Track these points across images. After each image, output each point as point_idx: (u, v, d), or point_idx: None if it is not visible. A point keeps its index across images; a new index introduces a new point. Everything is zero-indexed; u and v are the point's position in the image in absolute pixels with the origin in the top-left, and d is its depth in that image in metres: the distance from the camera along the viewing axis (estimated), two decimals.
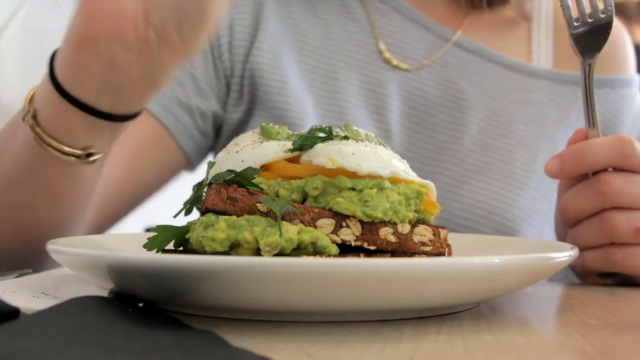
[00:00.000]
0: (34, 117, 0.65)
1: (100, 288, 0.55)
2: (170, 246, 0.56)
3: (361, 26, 1.00)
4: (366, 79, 0.97)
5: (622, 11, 3.56)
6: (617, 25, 1.07)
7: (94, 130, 0.65)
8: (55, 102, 0.63)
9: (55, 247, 0.52)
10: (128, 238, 0.68)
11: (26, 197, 0.70)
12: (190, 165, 1.00)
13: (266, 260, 0.43)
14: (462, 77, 0.99)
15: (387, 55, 0.98)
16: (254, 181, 0.53)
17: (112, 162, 0.85)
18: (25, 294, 0.54)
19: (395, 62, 0.98)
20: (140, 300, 0.50)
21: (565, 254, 0.52)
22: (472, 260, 0.45)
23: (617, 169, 0.69)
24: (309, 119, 0.93)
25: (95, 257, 0.48)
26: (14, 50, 1.00)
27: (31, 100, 0.67)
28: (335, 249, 0.50)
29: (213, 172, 0.56)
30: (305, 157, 0.55)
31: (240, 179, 0.53)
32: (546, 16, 1.05)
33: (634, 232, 0.68)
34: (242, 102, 0.97)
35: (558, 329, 0.49)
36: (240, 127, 0.98)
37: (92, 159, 0.67)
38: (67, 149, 0.65)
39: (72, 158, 0.66)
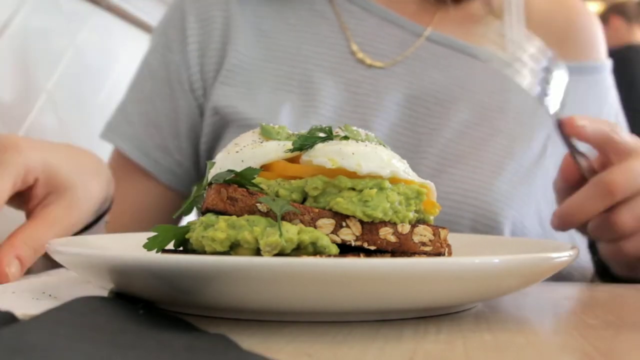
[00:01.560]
0: None
1: (100, 288, 0.55)
2: (170, 246, 0.56)
3: (332, 29, 1.01)
4: (342, 79, 0.98)
5: (623, 12, 3.55)
6: (586, 12, 1.08)
7: None
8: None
9: (56, 247, 0.52)
10: (128, 238, 0.68)
11: None
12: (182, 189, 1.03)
13: (266, 260, 0.43)
14: (437, 70, 0.99)
15: (360, 55, 0.99)
16: (253, 181, 0.53)
17: (118, 218, 0.92)
18: (25, 294, 0.54)
19: (369, 61, 0.99)
20: (140, 300, 0.49)
21: (565, 254, 0.52)
22: (472, 260, 0.45)
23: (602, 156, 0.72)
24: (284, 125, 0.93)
25: (96, 257, 0.48)
26: (14, 50, 1.00)
27: None
28: (335, 249, 0.50)
29: (213, 172, 0.56)
30: (305, 157, 0.55)
31: (240, 179, 0.53)
32: (517, 7, 1.06)
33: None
34: (214, 120, 0.97)
35: (558, 329, 0.49)
36: (214, 144, 0.99)
37: None
38: None
39: None
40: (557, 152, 0.94)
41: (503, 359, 0.40)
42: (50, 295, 0.53)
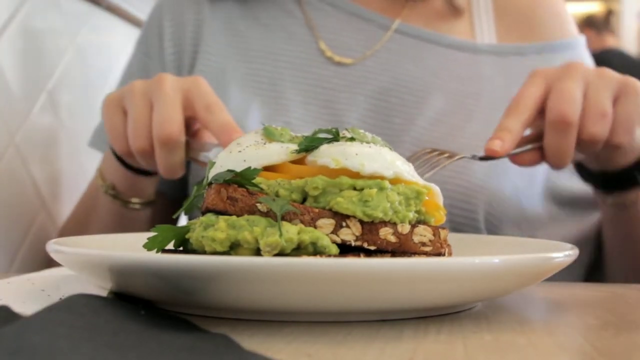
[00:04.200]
0: (113, 188, 0.91)
1: (99, 288, 0.55)
2: (170, 246, 0.56)
3: (301, 27, 1.02)
4: (311, 75, 0.99)
5: (591, 23, 3.70)
6: None
7: (152, 185, 0.93)
8: (127, 176, 0.89)
9: (56, 247, 0.52)
10: (127, 238, 0.68)
11: None
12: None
13: (266, 260, 0.43)
14: (408, 61, 1.00)
15: (329, 54, 1.00)
16: (253, 181, 0.53)
17: (106, 221, 0.97)
18: (24, 293, 0.54)
19: (337, 59, 1.00)
20: (140, 300, 0.49)
21: (565, 254, 0.52)
22: (472, 260, 0.45)
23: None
24: (252, 122, 0.95)
25: (96, 257, 0.48)
26: (14, 50, 1.00)
27: (103, 177, 0.92)
28: (335, 249, 0.50)
29: (213, 172, 0.56)
30: (311, 158, 0.55)
31: (241, 179, 0.52)
32: None
33: (600, 115, 0.73)
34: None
35: (558, 329, 0.49)
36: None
37: (150, 205, 0.95)
38: (139, 202, 0.93)
39: (140, 207, 0.93)
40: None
41: (503, 359, 0.40)
42: (51, 296, 0.53)
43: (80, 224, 0.99)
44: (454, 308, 0.53)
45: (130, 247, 0.62)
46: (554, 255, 0.51)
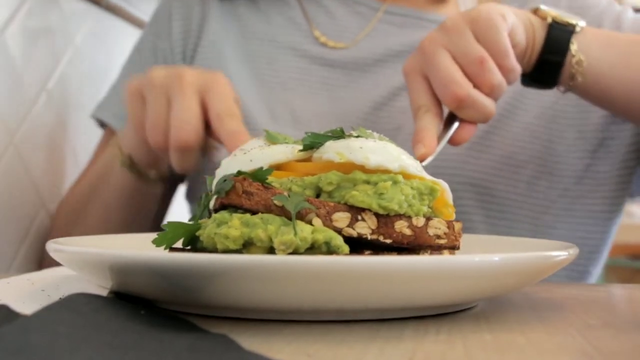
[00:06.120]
0: (130, 160, 0.90)
1: (99, 287, 0.55)
2: (178, 245, 0.55)
3: (296, 14, 1.06)
4: (307, 55, 1.03)
5: None
6: None
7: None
8: (144, 147, 0.85)
9: (57, 246, 0.52)
10: (127, 238, 0.68)
11: (120, 218, 0.96)
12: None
13: (266, 258, 0.43)
14: (398, 36, 1.03)
15: (323, 39, 1.03)
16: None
17: (103, 192, 0.98)
18: (24, 293, 0.54)
19: (331, 44, 1.03)
20: (140, 300, 0.49)
21: (565, 253, 0.52)
22: (472, 258, 0.45)
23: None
24: (252, 101, 0.98)
25: (97, 255, 0.48)
26: (14, 50, 1.00)
27: (120, 149, 0.91)
28: (346, 249, 0.50)
29: (219, 173, 0.56)
30: (316, 155, 0.55)
31: (254, 180, 0.52)
32: None
33: (479, 64, 0.72)
34: None
35: (558, 329, 0.49)
36: None
37: (164, 180, 0.95)
38: (154, 175, 0.92)
39: (155, 181, 0.93)
40: (532, 101, 0.98)
41: (503, 359, 0.40)
42: (51, 296, 0.53)
43: (82, 203, 0.99)
44: (454, 307, 0.53)
45: (130, 247, 0.62)
46: (554, 253, 0.51)
